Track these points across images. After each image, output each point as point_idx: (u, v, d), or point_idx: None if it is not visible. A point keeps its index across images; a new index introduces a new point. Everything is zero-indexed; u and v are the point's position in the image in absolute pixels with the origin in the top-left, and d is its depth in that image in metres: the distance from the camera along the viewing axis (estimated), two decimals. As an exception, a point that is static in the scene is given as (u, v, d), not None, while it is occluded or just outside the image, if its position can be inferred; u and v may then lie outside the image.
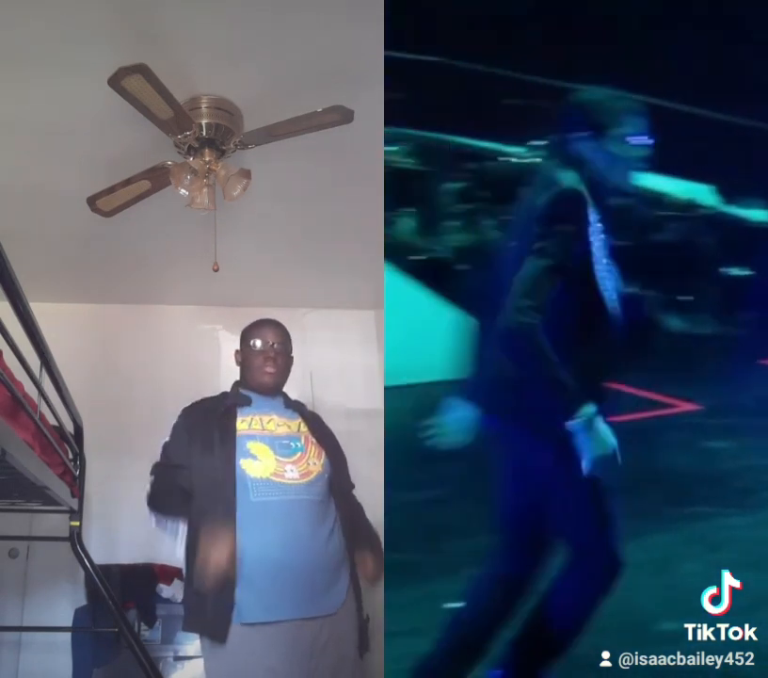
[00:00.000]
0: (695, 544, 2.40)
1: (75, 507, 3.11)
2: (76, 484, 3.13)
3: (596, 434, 1.49)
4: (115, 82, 2.26)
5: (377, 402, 4.33)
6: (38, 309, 2.01)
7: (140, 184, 2.82)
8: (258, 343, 2.36)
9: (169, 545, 3.81)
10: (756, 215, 5.14)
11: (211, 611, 2.05)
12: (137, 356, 4.31)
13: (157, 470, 2.24)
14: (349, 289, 4.27)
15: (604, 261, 1.61)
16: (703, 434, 3.38)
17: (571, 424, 1.48)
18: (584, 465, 1.50)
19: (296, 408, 2.42)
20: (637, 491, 2.34)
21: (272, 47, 2.42)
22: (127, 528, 3.96)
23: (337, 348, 4.48)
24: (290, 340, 2.43)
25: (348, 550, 2.21)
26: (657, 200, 4.82)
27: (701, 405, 3.87)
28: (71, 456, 3.01)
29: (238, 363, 2.42)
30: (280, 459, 2.20)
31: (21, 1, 2.20)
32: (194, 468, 2.17)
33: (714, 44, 4.08)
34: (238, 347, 2.43)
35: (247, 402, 2.33)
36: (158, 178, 2.79)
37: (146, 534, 3.94)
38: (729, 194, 5.03)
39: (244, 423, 2.26)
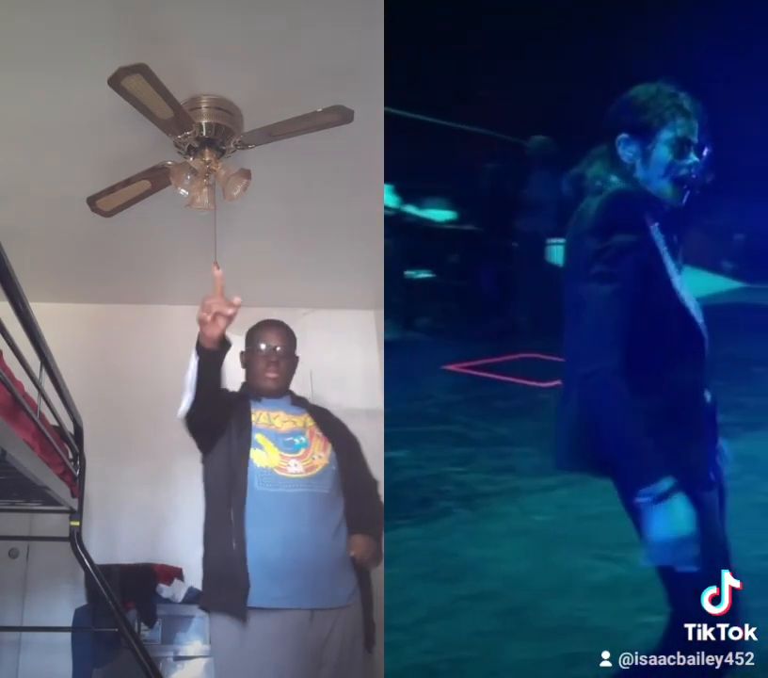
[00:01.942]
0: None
1: (75, 507, 3.11)
2: (76, 484, 3.13)
3: (670, 514, 1.24)
4: (115, 82, 2.26)
5: (377, 402, 4.33)
6: (38, 309, 2.01)
7: (140, 184, 2.82)
8: (261, 346, 2.38)
9: (170, 545, 3.83)
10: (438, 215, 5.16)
11: (228, 590, 2.10)
12: (137, 356, 4.31)
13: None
14: (349, 289, 4.27)
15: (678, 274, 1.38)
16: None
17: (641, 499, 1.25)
18: (646, 551, 1.26)
19: (302, 404, 2.44)
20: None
21: (272, 47, 2.42)
22: (127, 528, 3.97)
23: (337, 348, 4.48)
24: (294, 341, 2.44)
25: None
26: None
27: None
28: (71, 456, 3.01)
29: (243, 365, 2.43)
30: (284, 454, 2.22)
31: (21, 1, 2.20)
32: (212, 453, 2.24)
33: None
34: (243, 349, 2.44)
35: (256, 397, 2.39)
36: (158, 178, 2.79)
37: (146, 534, 3.98)
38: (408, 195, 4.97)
39: (253, 416, 2.31)
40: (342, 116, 2.53)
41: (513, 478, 3.08)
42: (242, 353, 2.45)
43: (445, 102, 4.67)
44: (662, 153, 1.43)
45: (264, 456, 2.20)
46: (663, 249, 1.39)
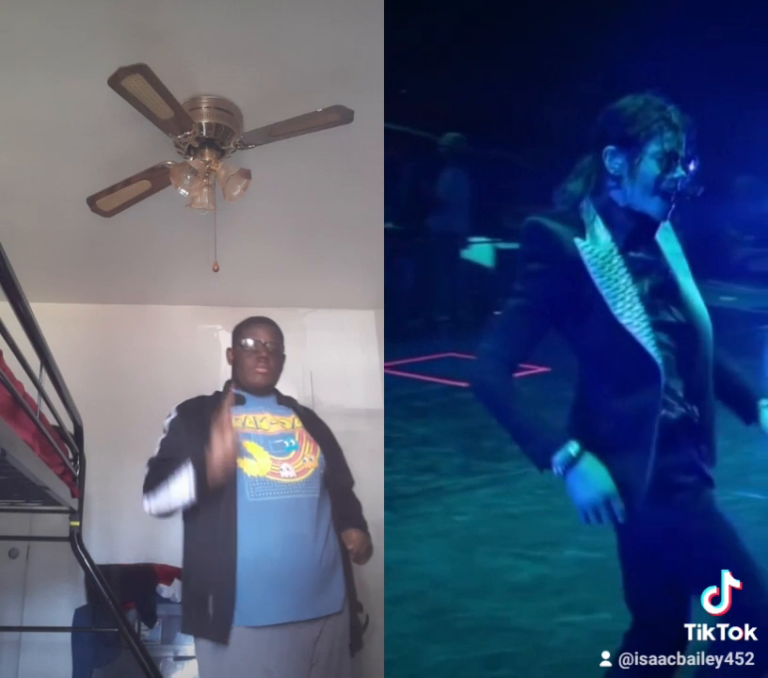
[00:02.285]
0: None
1: (75, 507, 3.11)
2: (76, 484, 3.13)
3: (583, 475, 1.35)
4: (115, 82, 2.26)
5: (377, 402, 4.33)
6: (38, 309, 2.01)
7: (140, 184, 2.82)
8: (250, 342, 2.34)
9: (170, 545, 3.83)
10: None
11: (212, 612, 2.04)
12: (137, 356, 4.31)
13: (152, 463, 2.20)
14: (349, 289, 4.27)
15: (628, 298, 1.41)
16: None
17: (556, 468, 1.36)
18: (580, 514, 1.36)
19: (289, 404, 2.40)
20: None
21: (272, 47, 2.42)
22: (127, 528, 3.96)
23: (337, 348, 4.48)
24: (282, 338, 2.41)
25: (341, 542, 2.20)
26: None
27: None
28: (71, 456, 3.01)
29: (230, 361, 2.40)
30: (276, 458, 2.19)
31: (21, 1, 2.20)
32: (194, 465, 2.11)
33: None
34: (230, 346, 2.41)
35: (240, 401, 2.31)
36: (158, 178, 2.79)
37: (146, 534, 3.98)
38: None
39: (238, 421, 2.21)
40: (342, 116, 2.53)
41: (435, 479, 3.07)
42: (228, 350, 2.40)
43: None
44: (649, 166, 1.43)
45: (254, 465, 2.14)
46: (610, 274, 1.41)
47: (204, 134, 2.64)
